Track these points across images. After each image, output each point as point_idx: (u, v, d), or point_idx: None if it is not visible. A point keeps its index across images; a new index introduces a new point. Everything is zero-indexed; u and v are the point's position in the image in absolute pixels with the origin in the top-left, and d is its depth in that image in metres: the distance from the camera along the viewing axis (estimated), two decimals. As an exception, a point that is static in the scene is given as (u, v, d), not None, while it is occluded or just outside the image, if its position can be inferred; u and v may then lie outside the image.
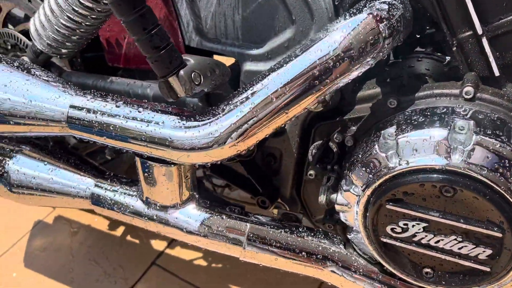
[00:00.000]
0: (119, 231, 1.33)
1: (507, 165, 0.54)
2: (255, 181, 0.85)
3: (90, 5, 0.73)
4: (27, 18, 1.11)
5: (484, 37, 0.61)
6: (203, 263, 1.21)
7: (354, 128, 0.71)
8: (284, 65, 0.60)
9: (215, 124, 0.61)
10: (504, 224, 0.55)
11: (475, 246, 0.57)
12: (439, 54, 0.79)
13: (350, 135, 0.71)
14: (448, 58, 0.77)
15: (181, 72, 0.59)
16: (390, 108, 0.66)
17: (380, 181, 0.59)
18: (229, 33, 0.78)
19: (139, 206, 0.75)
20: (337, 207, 0.67)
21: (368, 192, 0.61)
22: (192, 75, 0.60)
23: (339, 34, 0.57)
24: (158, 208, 0.73)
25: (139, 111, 0.66)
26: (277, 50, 0.74)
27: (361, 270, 0.68)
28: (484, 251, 0.57)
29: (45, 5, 0.78)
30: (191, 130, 0.62)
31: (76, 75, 0.90)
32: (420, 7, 0.65)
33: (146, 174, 0.71)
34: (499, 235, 0.55)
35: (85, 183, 0.80)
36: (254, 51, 0.76)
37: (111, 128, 0.67)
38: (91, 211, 1.39)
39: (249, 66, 0.77)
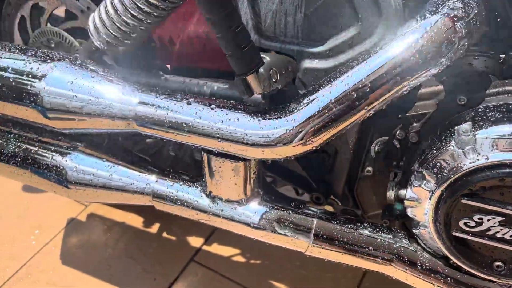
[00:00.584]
0: (154, 228, 1.34)
1: None
2: (309, 178, 0.87)
3: (155, 3, 0.73)
4: (69, 18, 1.12)
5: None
6: (241, 259, 1.22)
7: (417, 124, 0.73)
8: (363, 62, 0.61)
9: (292, 120, 0.62)
10: None
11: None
12: (491, 52, 0.80)
13: (414, 131, 0.72)
14: (503, 55, 0.79)
15: (261, 69, 0.61)
16: (459, 105, 0.67)
17: (456, 176, 0.60)
18: (288, 31, 0.79)
19: (204, 202, 0.76)
20: (406, 202, 0.68)
21: (443, 187, 0.62)
22: (270, 72, 0.61)
23: (417, 33, 0.58)
24: (223, 203, 0.74)
25: (211, 108, 0.67)
26: (339, 48, 0.75)
27: (426, 264, 0.70)
28: None
29: (107, 3, 0.79)
30: (268, 127, 0.63)
31: (129, 73, 0.90)
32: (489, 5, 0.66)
33: (213, 169, 0.72)
34: None
35: (145, 179, 0.81)
36: (314, 49, 0.77)
37: (183, 125, 0.68)
38: (124, 208, 1.41)
39: (308, 64, 0.78)
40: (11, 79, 0.78)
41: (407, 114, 0.73)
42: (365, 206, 0.87)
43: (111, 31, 0.80)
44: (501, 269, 0.64)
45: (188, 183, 0.79)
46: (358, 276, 1.14)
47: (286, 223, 0.72)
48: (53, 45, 1.09)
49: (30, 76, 0.77)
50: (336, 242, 0.70)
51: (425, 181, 0.65)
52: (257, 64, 0.60)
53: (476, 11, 0.61)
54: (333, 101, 0.61)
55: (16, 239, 1.36)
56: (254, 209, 0.73)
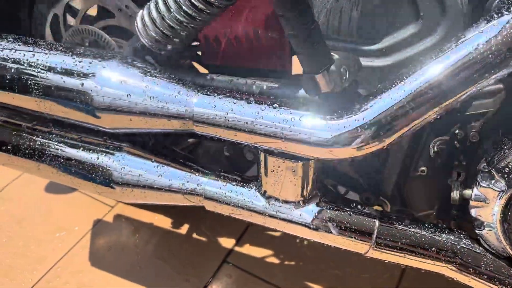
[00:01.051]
0: (184, 228, 1.33)
1: None
2: (360, 178, 0.86)
3: (211, 0, 0.72)
4: (103, 16, 1.10)
5: None
6: (275, 259, 1.21)
7: (477, 124, 0.72)
8: (436, 58, 0.60)
9: (362, 119, 0.61)
10: None
11: None
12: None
13: (474, 131, 0.71)
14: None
15: (332, 67, 0.59)
16: (525, 103, 0.66)
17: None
18: (342, 29, 0.77)
19: (259, 203, 0.75)
20: (472, 202, 0.67)
21: (516, 188, 0.61)
22: (341, 70, 0.60)
23: (495, 30, 0.57)
24: (280, 204, 0.73)
25: (274, 107, 0.66)
26: (396, 46, 0.74)
27: (490, 266, 0.69)
28: None
29: (159, 0, 0.77)
30: (335, 126, 0.61)
31: (174, 72, 0.89)
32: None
33: (272, 170, 0.71)
34: None
35: (196, 180, 0.80)
36: (370, 47, 0.76)
37: (245, 125, 0.66)
38: (151, 209, 1.39)
39: (363, 62, 0.77)
40: (60, 79, 0.76)
41: (467, 113, 0.73)
42: (415, 206, 0.86)
43: (161, 29, 0.79)
44: None
45: (242, 183, 0.77)
46: (396, 276, 1.14)
47: (347, 225, 0.70)
48: (87, 44, 1.07)
49: (80, 75, 0.75)
50: (399, 243, 0.69)
51: (493, 181, 0.64)
52: (328, 63, 0.59)
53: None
54: (404, 100, 0.60)
55: (42, 241, 1.34)
56: (313, 210, 0.72)
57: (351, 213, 0.71)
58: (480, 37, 0.58)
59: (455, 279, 0.72)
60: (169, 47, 0.82)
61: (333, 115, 0.63)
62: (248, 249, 1.25)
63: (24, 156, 0.91)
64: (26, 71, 0.79)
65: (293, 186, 0.71)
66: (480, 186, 0.65)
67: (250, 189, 0.76)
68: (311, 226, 0.71)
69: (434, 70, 0.60)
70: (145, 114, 0.73)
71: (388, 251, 0.70)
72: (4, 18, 1.19)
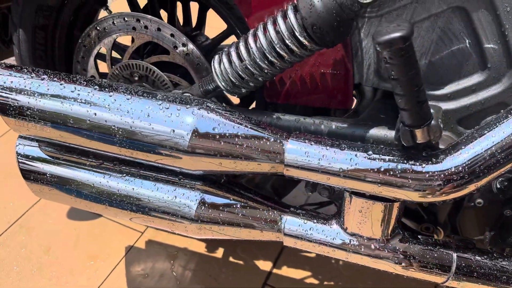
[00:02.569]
0: (219, 252, 1.36)
1: None
2: (420, 209, 0.93)
3: (297, 50, 0.76)
4: (153, 52, 1.12)
5: None
6: (314, 280, 1.27)
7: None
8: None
9: (455, 165, 0.68)
10: None
11: None
12: None
13: (533, 169, 0.80)
14: None
15: (433, 122, 0.66)
16: None
17: None
18: (409, 74, 0.84)
19: (342, 240, 0.80)
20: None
21: None
22: (439, 122, 0.67)
23: None
24: (365, 242, 0.79)
25: (368, 154, 0.71)
26: (461, 92, 0.82)
27: (550, 290, 0.77)
28: None
29: (240, 45, 0.81)
30: (430, 171, 0.68)
31: (241, 111, 0.92)
32: None
33: (359, 209, 0.76)
34: None
35: (275, 216, 0.84)
36: (435, 92, 0.83)
37: (339, 171, 0.71)
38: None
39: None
40: (149, 125, 0.78)
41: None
42: (465, 234, 0.94)
43: (240, 72, 0.82)
44: None
45: (322, 220, 0.82)
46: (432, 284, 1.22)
47: (428, 258, 0.77)
48: (136, 78, 1.08)
49: (169, 122, 0.77)
50: (475, 274, 0.76)
51: (560, 217, 0.72)
52: (428, 119, 0.65)
53: None
54: (493, 148, 0.67)
55: (74, 270, 1.33)
56: (397, 247, 0.78)
57: (431, 247, 0.78)
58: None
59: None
60: (244, 90, 0.86)
61: (426, 161, 0.69)
62: (287, 271, 1.29)
63: (92, 197, 0.92)
64: (108, 116, 0.81)
65: (379, 224, 0.77)
66: (548, 221, 0.74)
67: (331, 226, 0.81)
68: (396, 261, 0.77)
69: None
70: (236, 158, 0.77)
71: (465, 281, 0.77)
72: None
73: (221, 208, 0.85)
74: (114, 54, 1.11)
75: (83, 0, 1.13)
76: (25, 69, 0.90)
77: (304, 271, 1.29)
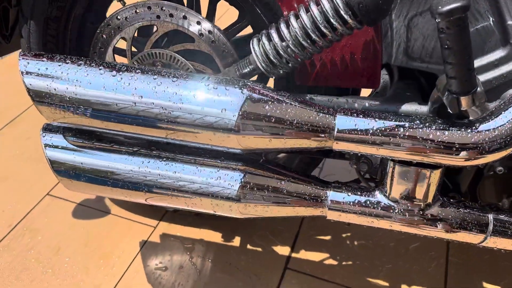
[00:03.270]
0: (236, 241, 1.37)
1: None
2: (446, 179, 0.99)
3: (340, 28, 0.80)
4: (174, 41, 1.12)
5: None
6: (332, 261, 1.30)
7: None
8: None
9: (495, 128, 0.74)
10: None
11: None
12: None
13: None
14: None
15: (479, 89, 0.71)
16: None
17: None
18: (434, 53, 0.90)
19: (386, 208, 0.84)
20: None
21: None
22: (483, 92, 0.72)
23: None
24: (409, 208, 0.83)
25: (415, 123, 0.76)
26: (485, 67, 0.89)
27: None
28: None
29: (282, 26, 0.84)
30: (478, 136, 0.74)
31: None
32: None
33: (404, 177, 0.81)
34: None
35: (319, 192, 0.87)
36: (458, 67, 0.90)
37: (389, 140, 0.76)
38: (197, 225, 1.40)
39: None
40: (199, 107, 0.79)
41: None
42: (485, 199, 1.01)
43: (283, 54, 0.85)
44: None
45: (365, 192, 0.87)
46: (442, 264, 1.29)
47: (468, 220, 0.83)
48: (159, 66, 1.08)
49: (219, 102, 0.79)
50: (509, 232, 0.83)
51: None
52: (475, 86, 0.71)
53: None
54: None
55: (89, 269, 1.30)
56: (439, 211, 0.83)
57: (470, 210, 0.84)
58: None
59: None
60: (281, 71, 0.89)
61: (470, 127, 0.75)
62: (305, 254, 1.32)
63: (130, 185, 0.92)
64: (155, 99, 0.81)
65: (423, 191, 0.82)
66: None
67: (375, 196, 0.86)
68: (438, 225, 0.82)
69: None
70: (286, 135, 0.79)
71: (502, 240, 0.83)
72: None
73: (265, 186, 0.87)
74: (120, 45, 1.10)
75: (98, -7, 1.12)
76: (57, 56, 0.88)
77: (321, 253, 1.33)
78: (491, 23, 0.85)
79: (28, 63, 0.87)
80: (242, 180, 0.87)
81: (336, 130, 0.79)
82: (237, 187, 0.87)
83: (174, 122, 0.81)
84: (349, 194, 0.87)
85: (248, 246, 1.35)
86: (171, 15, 1.03)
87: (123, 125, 0.84)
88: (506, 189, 0.98)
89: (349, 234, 1.38)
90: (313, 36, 0.82)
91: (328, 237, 1.37)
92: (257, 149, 0.83)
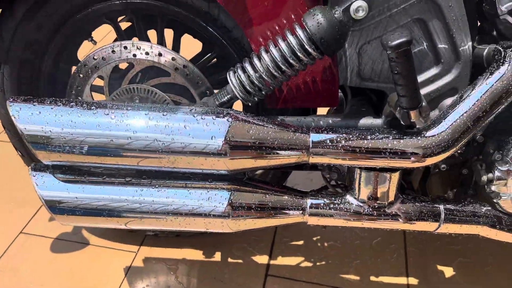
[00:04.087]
0: (217, 256, 1.45)
1: None
2: (402, 180, 1.15)
3: (304, 59, 0.94)
4: (149, 76, 1.20)
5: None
6: (308, 263, 1.43)
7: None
8: (473, 90, 0.92)
9: (439, 134, 0.90)
10: None
11: None
12: None
13: (480, 135, 1.06)
14: None
15: (424, 104, 0.87)
16: (512, 113, 1.03)
17: (533, 158, 0.96)
18: (382, 73, 1.06)
19: (357, 209, 0.98)
20: (495, 182, 1.01)
21: (525, 166, 0.97)
22: (427, 106, 0.89)
23: (508, 73, 0.92)
24: (375, 207, 0.97)
25: (376, 136, 0.91)
26: (423, 83, 1.06)
27: (504, 221, 1.04)
28: None
29: (254, 59, 0.96)
30: (426, 142, 0.89)
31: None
32: None
33: (369, 182, 0.95)
34: None
35: (299, 201, 0.99)
36: (403, 85, 1.07)
37: (356, 151, 0.90)
38: (177, 246, 1.47)
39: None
40: (190, 136, 0.89)
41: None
42: (434, 193, 1.18)
43: (257, 83, 0.97)
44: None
45: (337, 197, 1.00)
46: (402, 254, 1.45)
47: (425, 212, 0.99)
48: (137, 101, 1.16)
49: (208, 132, 0.89)
50: (458, 219, 1.00)
51: (507, 165, 0.99)
52: (421, 101, 0.87)
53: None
54: (465, 119, 0.91)
55: (77, 300, 1.32)
56: (400, 207, 0.98)
57: (425, 203, 0.99)
58: (498, 77, 0.92)
59: (486, 236, 1.05)
60: (256, 98, 1.01)
61: (418, 135, 0.90)
62: (282, 260, 1.44)
63: (125, 213, 0.99)
64: (149, 133, 0.89)
65: (386, 191, 0.96)
66: (499, 170, 1.00)
67: (347, 200, 0.99)
68: (401, 218, 0.97)
69: (472, 100, 0.92)
70: (270, 155, 0.91)
71: (456, 225, 1.00)
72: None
73: (251, 201, 0.98)
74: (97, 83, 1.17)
75: (71, 33, 1.18)
76: (47, 100, 0.94)
77: (297, 257, 1.45)
78: (425, 47, 1.02)
79: (20, 108, 0.92)
80: (230, 198, 0.97)
81: (311, 146, 0.92)
82: (226, 204, 0.97)
83: (168, 152, 0.90)
84: (325, 200, 1.00)
85: (229, 259, 1.44)
86: (147, 53, 1.12)
87: (119, 159, 0.92)
88: (450, 183, 1.16)
89: (319, 237, 1.51)
90: (283, 67, 0.95)
91: (301, 242, 1.50)
92: (243, 169, 0.93)
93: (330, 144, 0.91)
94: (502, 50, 0.96)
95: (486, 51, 1.01)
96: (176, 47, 1.36)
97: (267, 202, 0.99)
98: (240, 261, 1.44)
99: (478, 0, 1.04)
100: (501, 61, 0.94)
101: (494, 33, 1.06)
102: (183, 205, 0.98)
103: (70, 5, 1.11)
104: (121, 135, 0.90)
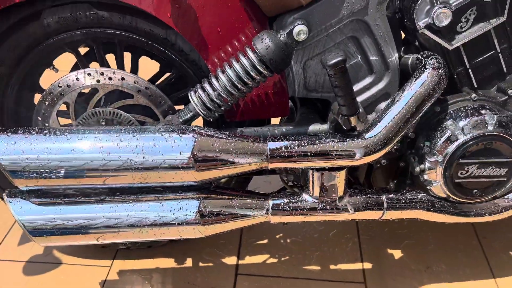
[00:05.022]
0: (188, 261, 1.54)
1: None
2: (349, 176, 1.30)
3: (257, 77, 1.06)
4: (112, 99, 1.27)
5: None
6: (273, 259, 1.55)
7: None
8: (402, 95, 1.08)
9: (376, 135, 1.06)
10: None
11: (498, 168, 1.16)
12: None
13: (412, 131, 1.23)
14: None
15: (361, 110, 1.02)
16: (435, 112, 1.21)
17: (455, 149, 1.13)
18: (325, 85, 1.21)
19: (313, 205, 1.11)
20: (427, 171, 1.18)
21: (448, 157, 1.14)
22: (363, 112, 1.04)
23: (428, 79, 1.09)
24: (328, 203, 1.11)
25: (324, 140, 1.05)
26: (359, 91, 1.21)
27: (437, 204, 1.21)
28: (500, 168, 1.16)
29: (212, 80, 1.07)
30: (366, 142, 1.04)
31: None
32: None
33: (321, 180, 1.09)
34: (509, 159, 1.15)
35: (263, 203, 1.11)
36: (343, 93, 1.22)
37: (308, 155, 1.03)
38: (150, 256, 1.54)
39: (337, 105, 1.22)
40: (160, 153, 0.98)
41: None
42: (377, 185, 1.35)
43: (216, 100, 1.08)
44: (476, 193, 1.19)
45: (295, 196, 1.13)
46: (356, 242, 1.61)
47: (370, 203, 1.14)
48: (103, 123, 1.24)
49: (175, 148, 0.99)
50: (398, 206, 1.16)
51: (435, 156, 1.16)
52: (359, 108, 1.02)
53: (443, 62, 1.15)
54: (396, 121, 1.07)
55: (56, 318, 1.37)
56: (349, 200, 1.13)
57: (369, 195, 1.14)
58: (421, 83, 1.09)
59: (424, 219, 1.22)
60: (216, 114, 1.12)
61: (359, 136, 1.05)
62: (250, 259, 1.55)
63: (102, 228, 1.06)
64: (121, 153, 0.98)
65: (335, 187, 1.10)
66: (429, 161, 1.17)
67: (303, 198, 1.13)
68: (350, 211, 1.12)
69: (400, 105, 1.08)
70: (233, 164, 1.02)
71: (397, 211, 1.16)
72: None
73: (219, 207, 1.09)
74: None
75: (33, 64, 1.23)
76: (20, 129, 1.01)
77: (263, 255, 1.57)
78: (359, 60, 1.18)
79: (-5, 139, 0.98)
80: (200, 206, 1.07)
81: (269, 154, 1.04)
82: (197, 212, 1.07)
83: (140, 169, 1.00)
84: (284, 200, 1.13)
85: (200, 264, 1.54)
86: (110, 78, 1.20)
87: (95, 179, 1.00)
88: (390, 175, 1.32)
89: (282, 234, 1.64)
90: (238, 85, 1.07)
91: (265, 241, 1.62)
92: (210, 179, 1.04)
93: (285, 150, 1.04)
94: (423, 59, 1.13)
95: (410, 60, 1.18)
96: (134, 69, 1.44)
97: (233, 206, 1.10)
98: (210, 264, 1.54)
99: (401, 17, 1.22)
100: (422, 69, 1.11)
101: (417, 43, 1.23)
102: (157, 217, 1.07)
103: (33, 38, 1.17)
104: (95, 157, 0.98)
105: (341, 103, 1.01)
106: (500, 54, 1.22)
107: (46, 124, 1.25)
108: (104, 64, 1.31)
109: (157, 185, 1.09)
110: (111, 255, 1.56)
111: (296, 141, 1.05)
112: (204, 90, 1.10)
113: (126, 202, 1.07)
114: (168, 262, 1.54)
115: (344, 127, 1.05)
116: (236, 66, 1.06)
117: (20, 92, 1.29)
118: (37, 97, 1.36)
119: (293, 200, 1.13)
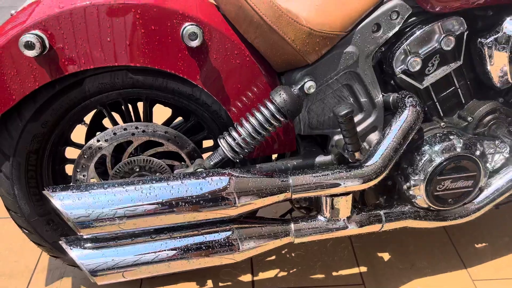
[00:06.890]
0: (209, 283, 1.72)
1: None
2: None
3: (276, 124, 1.28)
4: (144, 148, 1.44)
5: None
6: (283, 272, 1.76)
7: (395, 152, 1.51)
8: (390, 129, 1.35)
9: (377, 165, 1.31)
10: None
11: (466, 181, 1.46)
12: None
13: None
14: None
15: (362, 147, 1.27)
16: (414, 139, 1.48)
17: (433, 169, 1.41)
18: (325, 123, 1.45)
19: (327, 225, 1.35)
20: (412, 187, 1.45)
21: (428, 175, 1.42)
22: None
23: (409, 116, 1.36)
24: (338, 222, 1.35)
25: (337, 172, 1.29)
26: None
27: (421, 214, 1.49)
28: (467, 181, 1.46)
29: (238, 127, 1.28)
30: (368, 170, 1.30)
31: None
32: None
33: (333, 204, 1.33)
34: (473, 173, 1.45)
35: (287, 228, 1.33)
36: (337, 130, 1.47)
37: (324, 185, 1.27)
38: (173, 281, 1.70)
39: (337, 136, 1.47)
40: (208, 196, 1.18)
41: (389, 148, 1.52)
42: (369, 202, 1.61)
43: (242, 144, 1.29)
44: (451, 201, 1.48)
45: (312, 219, 1.36)
46: (351, 250, 1.86)
47: (374, 218, 1.39)
48: (137, 170, 1.41)
49: (218, 189, 1.19)
50: (393, 218, 1.42)
51: (417, 176, 1.44)
52: (360, 146, 1.27)
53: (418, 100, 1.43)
54: (389, 151, 1.33)
55: None
56: (357, 218, 1.38)
57: (370, 212, 1.40)
58: (404, 119, 1.36)
59: (411, 227, 1.49)
60: (242, 156, 1.33)
61: (360, 166, 1.30)
62: (263, 275, 1.76)
63: (154, 262, 1.23)
64: (174, 199, 1.17)
65: (346, 209, 1.34)
66: (413, 179, 1.44)
67: (319, 220, 1.36)
68: (359, 226, 1.36)
69: (394, 134, 1.35)
70: (265, 198, 1.23)
71: (393, 223, 1.41)
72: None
73: (252, 234, 1.30)
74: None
75: (69, 122, 1.38)
76: (82, 186, 1.16)
77: (273, 270, 1.78)
78: (352, 101, 1.44)
79: (63, 197, 1.13)
80: (237, 235, 1.28)
81: (292, 187, 1.27)
82: (234, 240, 1.27)
83: (192, 210, 1.18)
84: (304, 222, 1.36)
85: (220, 284, 1.72)
86: (143, 131, 1.38)
87: (153, 222, 1.17)
88: (380, 192, 1.59)
89: (286, 250, 1.86)
90: (261, 131, 1.29)
91: (273, 257, 1.83)
92: (245, 212, 1.25)
93: (305, 183, 1.27)
94: (402, 98, 1.41)
95: (391, 98, 1.45)
96: (149, 118, 1.62)
97: (263, 233, 1.31)
98: (229, 283, 1.73)
99: (381, 64, 1.49)
100: (403, 107, 1.39)
101: (393, 83, 1.51)
102: (201, 248, 1.26)
103: (73, 102, 1.33)
104: (152, 203, 1.16)
105: (348, 142, 1.26)
106: (459, 89, 1.53)
107: (85, 174, 1.40)
108: (130, 116, 1.48)
109: (196, 222, 1.28)
110: (137, 284, 1.71)
111: (313, 174, 1.29)
112: (231, 136, 1.30)
113: (174, 239, 1.25)
114: (191, 286, 1.71)
115: (349, 160, 1.30)
116: (258, 115, 1.28)
117: (55, 148, 1.43)
118: (68, 150, 1.50)
119: (311, 223, 1.36)
